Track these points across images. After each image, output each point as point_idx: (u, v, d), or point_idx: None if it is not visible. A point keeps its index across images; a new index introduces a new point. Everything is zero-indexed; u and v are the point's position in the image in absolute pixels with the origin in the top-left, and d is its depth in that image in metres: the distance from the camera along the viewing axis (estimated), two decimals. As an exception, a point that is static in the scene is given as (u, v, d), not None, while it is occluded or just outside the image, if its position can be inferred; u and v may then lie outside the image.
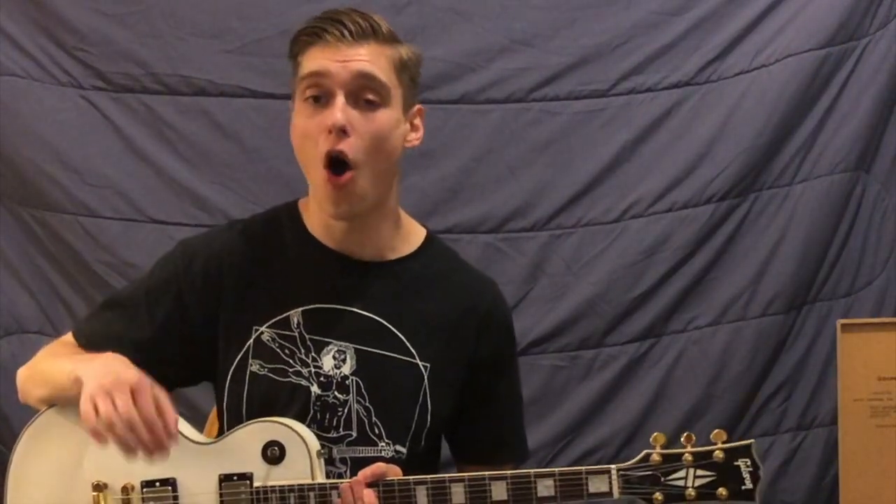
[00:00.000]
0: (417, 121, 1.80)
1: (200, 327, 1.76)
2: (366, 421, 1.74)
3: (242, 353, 1.75)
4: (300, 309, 1.75)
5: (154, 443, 1.56)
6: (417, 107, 1.80)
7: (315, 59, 1.69)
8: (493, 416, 1.85)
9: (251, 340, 1.75)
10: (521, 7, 2.88)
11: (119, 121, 2.79)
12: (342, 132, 1.66)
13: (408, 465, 1.71)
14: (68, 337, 1.82)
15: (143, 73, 2.79)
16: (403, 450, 1.75)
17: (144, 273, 1.84)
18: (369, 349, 1.75)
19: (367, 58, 1.68)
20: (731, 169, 2.90)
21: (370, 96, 1.69)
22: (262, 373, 1.74)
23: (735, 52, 2.91)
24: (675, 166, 2.92)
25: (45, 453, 1.71)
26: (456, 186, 2.88)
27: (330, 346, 1.74)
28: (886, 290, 2.99)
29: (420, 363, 1.76)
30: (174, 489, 1.67)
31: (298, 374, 1.74)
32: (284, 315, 1.75)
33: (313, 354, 1.74)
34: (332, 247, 1.78)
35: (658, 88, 2.92)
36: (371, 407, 1.74)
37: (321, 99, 1.68)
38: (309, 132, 1.68)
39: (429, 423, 1.77)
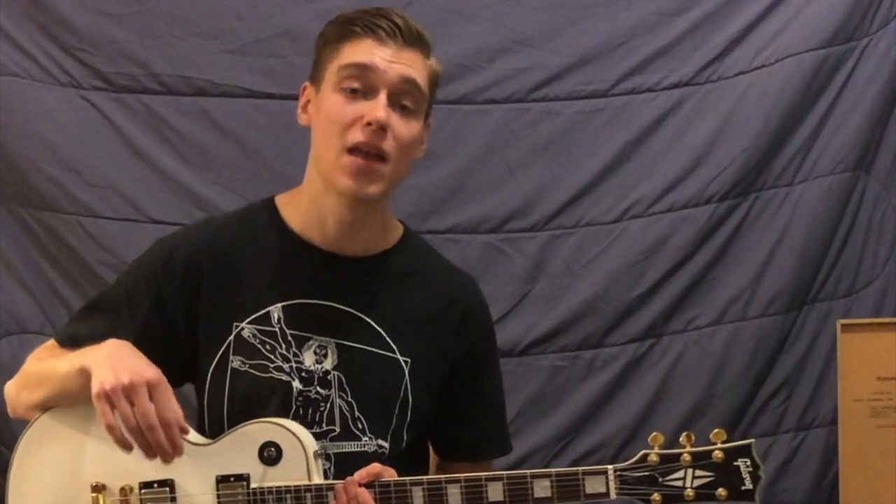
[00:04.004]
0: (425, 134, 1.82)
1: (182, 325, 1.76)
2: (349, 416, 1.74)
3: (223, 349, 1.75)
4: (280, 304, 1.75)
5: (172, 447, 1.58)
6: (429, 121, 1.82)
7: (363, 52, 1.69)
8: (474, 411, 1.86)
9: (232, 337, 1.75)
10: (521, 7, 2.88)
11: (119, 121, 2.79)
12: (382, 129, 1.68)
13: (391, 462, 1.72)
14: (51, 343, 1.81)
15: (143, 73, 2.79)
16: (386, 445, 1.76)
17: (122, 274, 1.83)
18: (350, 344, 1.75)
19: (413, 63, 1.71)
20: (731, 169, 2.90)
21: (408, 103, 1.72)
22: (244, 369, 1.74)
23: (735, 52, 2.91)
24: (675, 166, 2.92)
25: (43, 457, 1.70)
26: (456, 186, 2.88)
27: (311, 342, 1.75)
28: (886, 290, 2.99)
29: (401, 358, 1.77)
30: (172, 490, 1.67)
31: (280, 369, 1.74)
32: (264, 311, 1.75)
33: (294, 350, 1.75)
34: (312, 242, 1.78)
35: (658, 88, 2.92)
36: (353, 402, 1.74)
37: (358, 92, 1.69)
38: (343, 119, 1.69)
39: (409, 418, 1.77)
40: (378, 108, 1.67)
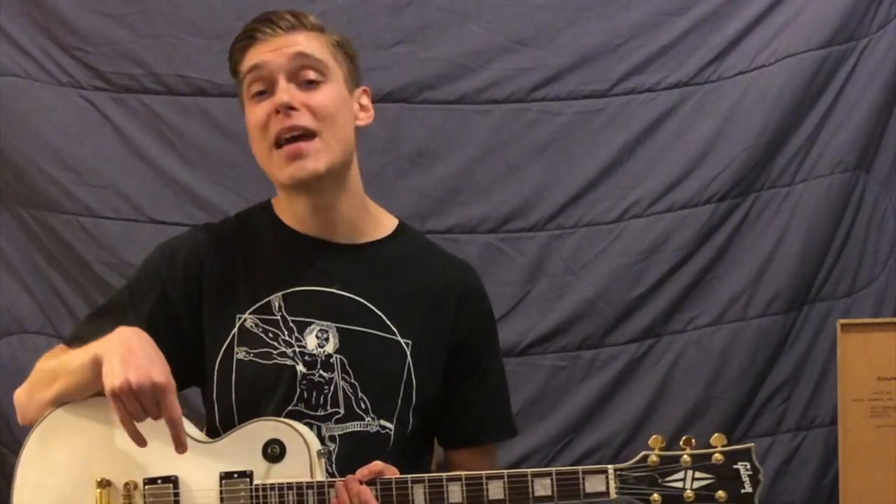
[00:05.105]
0: (365, 100, 1.86)
1: (186, 323, 1.79)
2: (352, 398, 1.76)
3: (227, 342, 1.77)
4: (280, 293, 1.78)
5: (177, 444, 1.62)
6: (362, 88, 1.86)
7: (251, 57, 1.77)
8: (476, 395, 1.88)
9: (235, 329, 1.78)
10: (521, 7, 2.88)
11: (119, 121, 2.79)
12: (290, 109, 1.72)
13: (396, 445, 1.75)
14: (58, 348, 1.83)
15: (143, 73, 2.79)
16: (390, 426, 1.77)
17: (126, 281, 1.87)
18: (351, 328, 1.78)
19: (299, 41, 1.77)
20: (731, 169, 2.90)
21: (311, 75, 1.76)
22: (248, 359, 1.77)
23: (735, 52, 2.91)
24: (675, 166, 2.92)
25: (52, 453, 1.72)
26: (456, 186, 2.88)
27: (312, 326, 1.78)
28: (886, 290, 2.99)
29: (402, 340, 1.79)
30: (175, 486, 1.68)
31: (283, 354, 1.77)
32: (265, 300, 1.78)
33: (296, 335, 1.77)
34: (306, 233, 1.81)
35: (658, 88, 2.92)
36: (356, 384, 1.77)
37: (266, 93, 1.76)
38: (260, 119, 1.75)
39: (415, 401, 1.79)
40: (280, 93, 1.73)
